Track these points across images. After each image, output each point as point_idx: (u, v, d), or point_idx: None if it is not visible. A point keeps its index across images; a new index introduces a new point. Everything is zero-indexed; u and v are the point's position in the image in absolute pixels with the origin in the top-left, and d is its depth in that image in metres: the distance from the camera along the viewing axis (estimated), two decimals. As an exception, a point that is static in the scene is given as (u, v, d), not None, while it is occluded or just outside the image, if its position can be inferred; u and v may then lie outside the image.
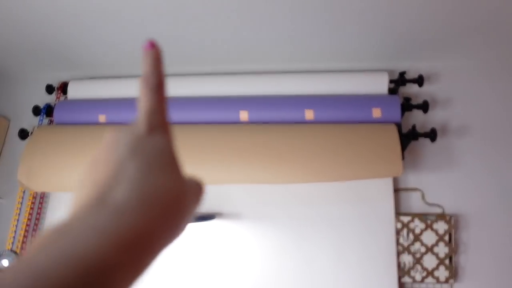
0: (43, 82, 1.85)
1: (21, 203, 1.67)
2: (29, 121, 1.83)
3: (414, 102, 1.57)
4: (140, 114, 0.30)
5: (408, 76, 1.62)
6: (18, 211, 1.66)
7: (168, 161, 0.28)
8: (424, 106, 1.51)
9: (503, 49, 1.57)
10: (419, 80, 1.57)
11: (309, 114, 1.49)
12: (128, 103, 1.63)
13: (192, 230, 1.55)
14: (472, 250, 1.46)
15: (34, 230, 1.66)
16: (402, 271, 1.44)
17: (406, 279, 1.43)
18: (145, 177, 0.25)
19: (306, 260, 1.47)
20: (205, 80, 1.64)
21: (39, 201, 1.70)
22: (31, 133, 1.67)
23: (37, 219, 1.67)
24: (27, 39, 1.61)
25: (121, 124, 1.53)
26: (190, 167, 1.47)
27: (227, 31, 1.49)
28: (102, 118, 1.62)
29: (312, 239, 1.49)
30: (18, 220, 1.65)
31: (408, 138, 1.47)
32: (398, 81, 1.59)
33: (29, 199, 1.67)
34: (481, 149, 1.57)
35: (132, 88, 1.68)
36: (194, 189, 0.31)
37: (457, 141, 1.59)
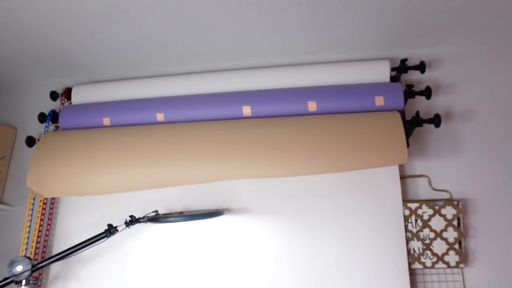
0: (47, 89, 1.87)
1: (32, 210, 1.70)
2: (36, 128, 1.85)
3: (416, 88, 1.56)
4: None
5: (410, 63, 1.62)
6: (29, 218, 1.68)
7: None
8: (427, 92, 1.50)
9: (506, 32, 1.56)
10: (421, 66, 1.57)
11: (312, 106, 1.50)
12: (131, 104, 1.64)
13: (201, 227, 1.57)
14: (482, 234, 1.46)
15: (46, 235, 1.68)
16: (412, 257, 1.44)
17: (417, 265, 1.43)
18: None
19: (315, 251, 1.48)
20: (206, 78, 1.64)
21: (50, 207, 1.72)
22: (38, 140, 1.69)
23: (49, 224, 1.69)
24: (29, 46, 1.63)
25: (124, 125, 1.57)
26: (196, 164, 1.47)
27: (226, 27, 1.49)
28: (106, 121, 1.63)
29: (321, 229, 1.50)
30: (30, 227, 1.67)
31: (412, 125, 1.47)
32: (400, 69, 1.59)
33: (40, 205, 1.69)
34: (487, 133, 1.56)
35: (134, 90, 1.69)
36: None
37: (462, 125, 1.58)
